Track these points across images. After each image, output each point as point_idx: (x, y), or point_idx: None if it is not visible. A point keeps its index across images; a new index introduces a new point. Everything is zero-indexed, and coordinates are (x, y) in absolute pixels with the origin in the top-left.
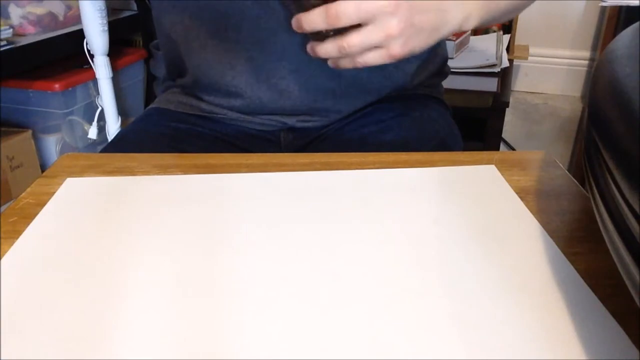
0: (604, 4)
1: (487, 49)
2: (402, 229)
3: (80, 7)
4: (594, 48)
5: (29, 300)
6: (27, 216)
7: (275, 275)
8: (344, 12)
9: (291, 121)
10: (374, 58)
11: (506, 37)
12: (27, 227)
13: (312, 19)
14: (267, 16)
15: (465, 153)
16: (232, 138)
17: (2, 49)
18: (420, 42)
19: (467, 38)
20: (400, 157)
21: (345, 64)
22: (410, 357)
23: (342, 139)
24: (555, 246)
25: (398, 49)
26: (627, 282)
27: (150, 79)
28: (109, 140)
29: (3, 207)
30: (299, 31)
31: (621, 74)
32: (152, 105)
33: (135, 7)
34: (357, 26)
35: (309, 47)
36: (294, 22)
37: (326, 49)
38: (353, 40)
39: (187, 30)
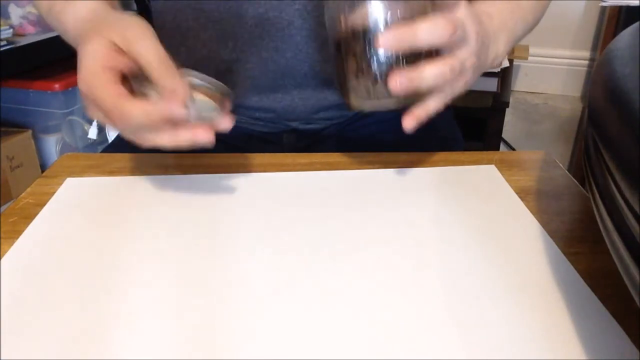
0: (604, 4)
1: None
2: (402, 228)
3: None
4: (594, 48)
5: (29, 300)
6: (27, 216)
7: (275, 275)
8: (459, 23)
9: (294, 124)
10: (459, 86)
11: None
12: (27, 227)
13: (433, 28)
14: (269, 36)
15: (465, 153)
16: (233, 139)
17: (2, 49)
18: (473, 79)
19: None
20: (400, 157)
21: (436, 103)
22: (410, 357)
23: (343, 139)
24: (555, 246)
25: (470, 80)
26: (627, 282)
27: None
28: (109, 140)
29: (3, 207)
30: (398, 47)
31: (621, 74)
32: None
33: (135, 7)
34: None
35: (396, 81)
36: (387, 39)
37: (434, 73)
38: (463, 54)
39: (189, 50)
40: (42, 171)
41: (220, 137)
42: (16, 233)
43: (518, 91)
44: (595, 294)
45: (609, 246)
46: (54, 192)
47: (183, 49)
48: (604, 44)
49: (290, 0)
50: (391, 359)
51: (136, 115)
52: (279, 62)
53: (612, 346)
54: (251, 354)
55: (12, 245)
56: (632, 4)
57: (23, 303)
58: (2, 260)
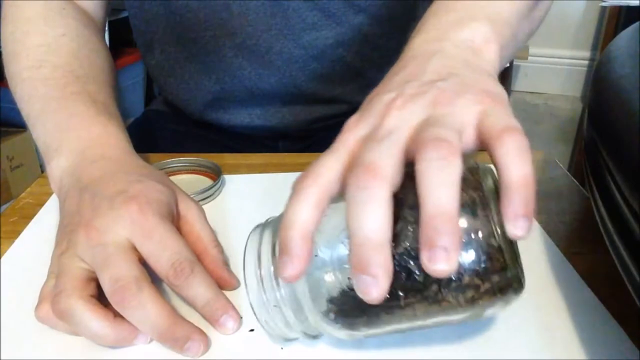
0: (604, 4)
1: None
2: None
3: None
4: (594, 48)
5: (29, 300)
6: (27, 216)
7: None
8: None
9: (290, 131)
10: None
11: None
12: (27, 227)
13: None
14: (250, 65)
15: (465, 154)
16: (231, 142)
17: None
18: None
19: None
20: None
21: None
22: (410, 356)
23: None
24: (555, 246)
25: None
26: (627, 282)
27: (150, 79)
28: None
29: (3, 207)
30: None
31: (621, 73)
32: (150, 107)
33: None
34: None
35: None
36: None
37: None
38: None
39: (177, 80)
40: (42, 171)
41: (218, 139)
42: (16, 233)
43: (518, 91)
44: (595, 294)
45: (609, 246)
46: (54, 192)
47: (172, 79)
48: (604, 44)
49: (265, 26)
50: (391, 358)
51: (151, 314)
52: (264, 87)
53: (612, 346)
54: (251, 354)
55: (12, 245)
56: (632, 4)
57: (23, 303)
58: (2, 260)
